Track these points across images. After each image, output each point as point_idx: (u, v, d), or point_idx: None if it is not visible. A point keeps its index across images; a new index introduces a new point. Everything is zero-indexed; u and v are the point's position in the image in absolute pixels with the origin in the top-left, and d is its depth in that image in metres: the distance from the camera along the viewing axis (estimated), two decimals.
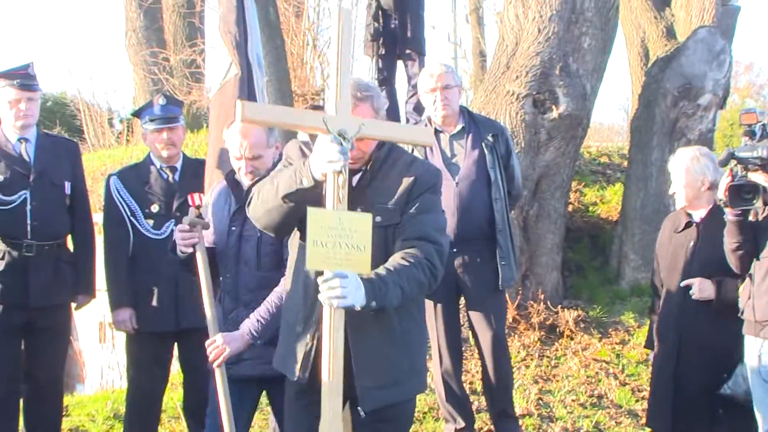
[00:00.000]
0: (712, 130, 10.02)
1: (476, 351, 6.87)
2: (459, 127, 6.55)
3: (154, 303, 5.99)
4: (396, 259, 3.84)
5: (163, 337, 6.06)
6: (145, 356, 5.94)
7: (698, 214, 5.79)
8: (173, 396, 7.28)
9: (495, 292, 6.53)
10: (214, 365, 4.68)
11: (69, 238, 6.18)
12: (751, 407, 5.48)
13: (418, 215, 3.92)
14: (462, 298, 6.66)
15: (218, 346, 4.66)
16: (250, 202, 4.00)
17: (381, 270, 3.77)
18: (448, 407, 6.93)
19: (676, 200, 5.87)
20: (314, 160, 3.71)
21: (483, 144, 6.49)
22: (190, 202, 6.08)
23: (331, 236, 3.61)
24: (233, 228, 4.77)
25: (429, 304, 6.74)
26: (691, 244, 5.77)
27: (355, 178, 4.00)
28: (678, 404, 5.78)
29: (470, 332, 6.80)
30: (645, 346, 6.23)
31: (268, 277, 4.62)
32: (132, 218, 5.99)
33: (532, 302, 9.06)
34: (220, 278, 4.87)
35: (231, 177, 4.90)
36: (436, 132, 6.50)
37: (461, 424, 6.92)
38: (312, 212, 3.62)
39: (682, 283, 5.69)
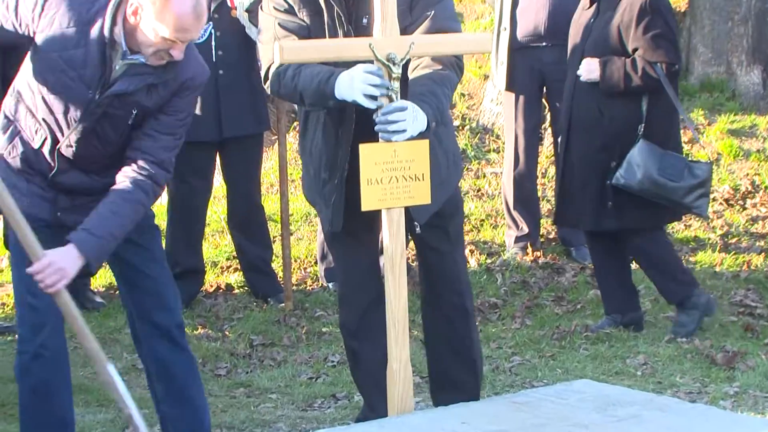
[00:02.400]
0: None
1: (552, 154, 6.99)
2: None
3: (195, 112, 6.02)
4: (430, 65, 3.90)
5: (206, 146, 6.14)
6: (187, 168, 5.98)
7: None
8: (216, 209, 7.41)
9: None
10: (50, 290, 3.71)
11: None
12: (643, 198, 5.57)
13: (425, 10, 3.94)
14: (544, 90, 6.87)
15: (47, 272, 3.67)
16: (266, 78, 3.96)
17: (425, 82, 3.83)
18: (514, 213, 7.04)
19: None
20: (349, 84, 3.65)
21: None
22: (229, 3, 6.10)
23: (386, 171, 3.59)
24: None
25: (510, 96, 6.82)
26: (591, 21, 5.76)
27: None
28: (564, 195, 5.84)
29: (551, 129, 6.91)
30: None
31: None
32: None
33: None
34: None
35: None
36: None
37: (525, 230, 7.04)
38: (364, 149, 3.58)
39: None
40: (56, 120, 3.80)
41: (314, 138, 4.11)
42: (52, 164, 3.85)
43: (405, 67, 3.75)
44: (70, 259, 3.67)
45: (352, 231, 4.17)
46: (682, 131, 6.19)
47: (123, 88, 3.72)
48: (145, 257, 4.06)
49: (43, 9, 3.69)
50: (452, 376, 4.34)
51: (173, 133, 3.86)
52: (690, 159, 6.08)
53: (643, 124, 5.64)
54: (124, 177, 3.79)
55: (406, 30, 3.83)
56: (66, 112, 3.78)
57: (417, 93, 3.78)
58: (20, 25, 3.76)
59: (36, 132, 3.84)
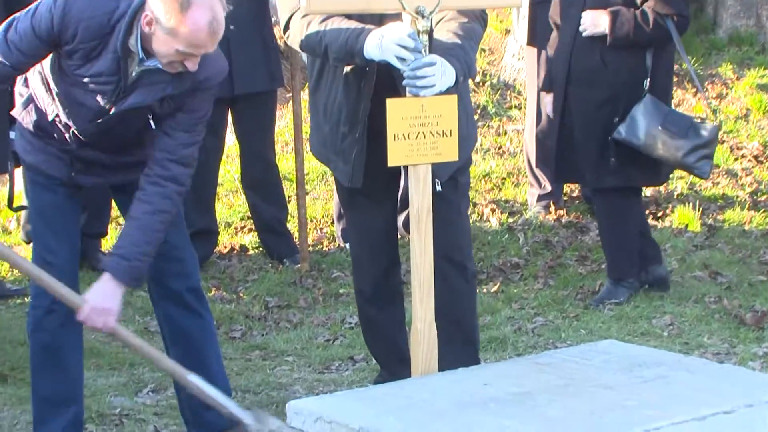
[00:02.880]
0: None
1: None
2: None
3: None
4: (455, 18, 3.87)
5: (217, 103, 5.98)
6: None
7: None
8: (230, 169, 7.39)
9: None
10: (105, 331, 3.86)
11: None
12: (646, 154, 5.51)
13: None
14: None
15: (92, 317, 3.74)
16: (287, 28, 3.92)
17: (452, 37, 3.81)
18: (537, 171, 7.00)
19: None
20: (380, 44, 3.63)
21: None
22: None
23: (413, 126, 3.57)
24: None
25: (532, 51, 6.76)
26: None
27: None
28: (563, 150, 5.73)
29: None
30: (541, 89, 6.05)
31: None
32: None
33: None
34: None
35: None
36: None
37: (547, 188, 7.00)
38: (391, 103, 3.55)
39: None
40: (69, 119, 3.82)
41: (330, 92, 4.07)
42: (67, 139, 3.87)
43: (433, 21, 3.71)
44: (109, 294, 3.75)
45: (370, 190, 4.14)
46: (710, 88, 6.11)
47: (138, 100, 3.73)
48: None
49: (62, 25, 3.63)
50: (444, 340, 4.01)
51: (191, 131, 3.86)
52: (696, 119, 6.01)
53: (648, 79, 5.57)
54: (146, 184, 3.80)
55: None
56: (78, 118, 3.80)
57: (444, 47, 3.75)
58: (44, 45, 3.69)
59: (48, 106, 3.85)
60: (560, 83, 5.72)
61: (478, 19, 3.94)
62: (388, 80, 3.79)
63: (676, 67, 9.01)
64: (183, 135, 3.83)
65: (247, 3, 6.09)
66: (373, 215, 4.29)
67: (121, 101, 3.73)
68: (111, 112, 3.74)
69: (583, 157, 5.64)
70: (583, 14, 5.57)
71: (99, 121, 3.78)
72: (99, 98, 3.73)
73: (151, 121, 3.81)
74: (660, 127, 5.49)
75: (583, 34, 5.58)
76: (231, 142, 6.81)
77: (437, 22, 3.84)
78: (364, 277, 4.41)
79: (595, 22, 5.54)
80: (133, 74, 3.69)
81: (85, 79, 3.71)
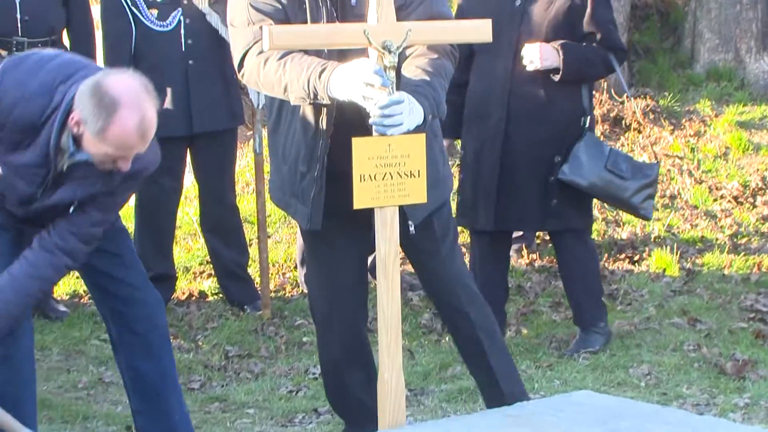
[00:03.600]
0: None
1: None
2: None
3: (163, 105, 6.01)
4: (425, 54, 3.90)
5: (175, 142, 6.11)
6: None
7: None
8: (188, 211, 7.41)
9: None
10: None
11: (64, 33, 6.18)
12: (591, 195, 5.60)
13: None
14: None
15: None
16: (241, 65, 3.92)
17: (420, 73, 3.83)
18: None
19: None
20: (346, 83, 3.63)
21: None
22: None
23: (380, 167, 3.61)
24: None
25: None
26: (519, 4, 5.58)
27: None
28: (503, 193, 5.63)
29: None
30: (446, 136, 5.28)
31: None
32: (133, 8, 5.98)
33: (593, 92, 8.98)
34: None
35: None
36: None
37: (519, 232, 7.00)
38: (357, 143, 3.59)
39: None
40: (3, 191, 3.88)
41: (289, 131, 4.06)
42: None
43: (401, 56, 3.75)
44: None
45: (333, 236, 4.14)
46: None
47: (67, 195, 3.80)
48: (117, 263, 4.11)
49: None
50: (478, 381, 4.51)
51: (106, 211, 3.93)
52: (635, 159, 6.12)
53: (588, 116, 5.62)
54: (39, 247, 3.86)
55: (396, 14, 3.81)
56: (9, 196, 3.87)
57: (413, 84, 3.78)
58: None
59: None
60: (494, 121, 5.60)
61: (448, 55, 3.97)
62: (348, 116, 3.80)
63: (653, 103, 9.18)
64: (97, 214, 3.88)
65: (206, 36, 6.12)
66: (339, 261, 4.25)
67: (49, 193, 3.78)
68: (37, 201, 3.80)
69: (525, 200, 5.62)
70: (528, 47, 5.50)
71: (27, 204, 3.83)
72: (25, 186, 3.78)
73: (73, 207, 3.85)
74: (606, 168, 5.55)
75: (528, 68, 5.51)
76: (189, 182, 6.82)
77: (405, 59, 3.88)
78: (329, 336, 4.36)
79: (544, 55, 5.50)
80: (64, 167, 3.73)
81: (14, 166, 3.75)
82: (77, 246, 3.87)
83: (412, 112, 3.66)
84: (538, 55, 5.49)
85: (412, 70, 3.86)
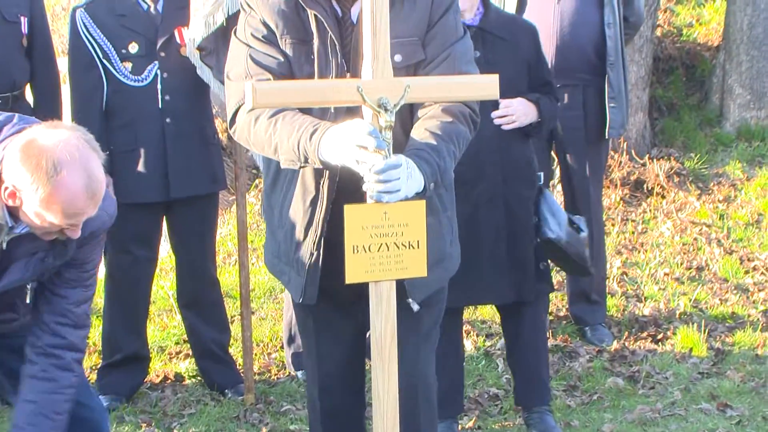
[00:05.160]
0: None
1: None
2: None
3: (137, 168, 6.07)
4: (437, 116, 3.90)
5: (150, 209, 6.16)
6: (128, 234, 5.99)
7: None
8: (164, 284, 7.41)
9: (597, 140, 6.90)
10: None
11: (28, 88, 6.23)
12: (566, 253, 5.70)
13: (443, 48, 3.96)
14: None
15: None
16: (233, 122, 3.98)
17: (427, 137, 3.83)
18: None
19: None
20: (339, 145, 3.65)
21: None
22: (178, 40, 6.14)
23: (375, 237, 3.63)
24: None
25: None
26: (478, 55, 5.52)
27: (355, 11, 3.96)
28: (513, 265, 5.67)
29: (561, 186, 7.08)
30: None
31: None
32: (105, 61, 6.03)
33: (612, 152, 9.08)
34: None
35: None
36: None
37: None
38: (350, 210, 3.61)
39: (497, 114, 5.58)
40: None
41: (288, 193, 4.07)
42: None
43: (412, 117, 3.80)
44: None
45: (327, 312, 4.16)
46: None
47: (16, 278, 3.77)
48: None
49: None
50: None
51: (83, 285, 3.92)
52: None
53: (542, 172, 5.73)
54: (37, 356, 3.88)
55: (416, 71, 3.89)
56: None
57: (415, 147, 3.79)
58: None
59: None
60: (492, 182, 5.62)
61: (465, 120, 3.94)
62: (350, 179, 3.79)
63: (678, 165, 9.21)
64: (75, 292, 3.88)
65: (186, 92, 6.13)
66: (335, 339, 4.27)
67: None
68: None
69: (518, 269, 5.66)
70: (509, 102, 5.54)
71: None
72: None
73: (28, 294, 3.85)
74: (567, 221, 5.67)
75: (509, 127, 5.57)
76: (165, 253, 6.82)
77: (417, 119, 3.90)
78: (321, 426, 4.37)
79: (525, 111, 5.59)
80: (3, 245, 3.68)
81: None
82: (74, 336, 3.88)
83: (411, 177, 3.66)
84: (522, 111, 5.59)
85: (420, 132, 3.86)
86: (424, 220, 3.71)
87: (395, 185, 3.61)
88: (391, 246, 3.66)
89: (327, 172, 3.89)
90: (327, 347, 4.28)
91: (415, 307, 3.97)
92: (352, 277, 3.63)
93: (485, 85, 3.91)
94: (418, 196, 3.72)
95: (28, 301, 3.86)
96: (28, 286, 3.83)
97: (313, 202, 3.98)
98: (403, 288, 3.88)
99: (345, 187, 3.86)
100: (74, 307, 3.88)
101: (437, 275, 3.97)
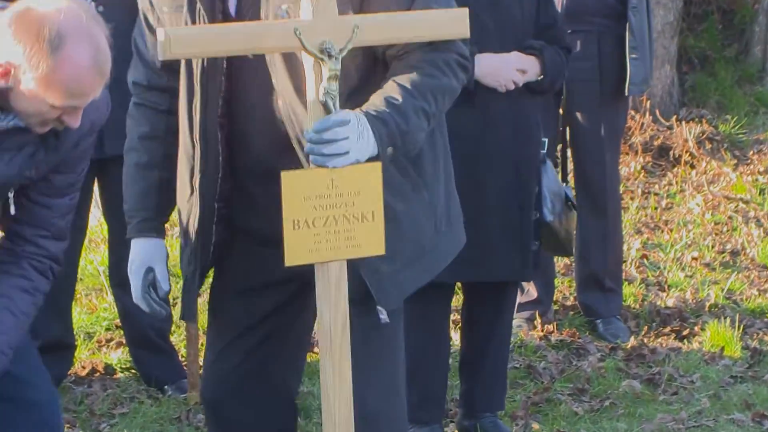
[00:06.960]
0: None
1: None
2: None
3: None
4: (410, 65, 3.75)
5: None
6: None
7: None
8: (93, 259, 7.39)
9: (614, 98, 6.92)
10: None
11: None
12: (561, 238, 5.76)
13: None
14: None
15: None
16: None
17: (391, 90, 3.70)
18: None
19: None
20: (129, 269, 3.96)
21: None
22: None
23: (320, 209, 3.58)
24: None
25: None
26: None
27: None
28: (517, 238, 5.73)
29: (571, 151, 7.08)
30: None
31: None
32: None
33: (632, 112, 9.04)
34: None
35: None
36: None
37: (532, 294, 7.18)
38: (287, 178, 3.54)
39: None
40: None
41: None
42: None
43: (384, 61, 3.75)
44: None
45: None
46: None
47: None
48: None
49: None
50: None
51: (69, 193, 4.00)
52: None
53: (546, 139, 5.74)
54: (18, 258, 3.98)
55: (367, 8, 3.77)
56: None
57: (371, 102, 3.67)
58: None
59: None
60: (502, 138, 5.61)
61: (449, 68, 3.80)
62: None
63: (710, 129, 9.23)
64: (60, 202, 3.96)
65: (122, 42, 6.07)
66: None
67: None
68: None
69: (507, 247, 5.64)
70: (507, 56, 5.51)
71: None
72: None
73: (12, 204, 3.88)
74: (564, 198, 5.76)
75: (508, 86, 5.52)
76: (96, 221, 6.76)
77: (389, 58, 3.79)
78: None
79: (524, 65, 5.50)
80: None
81: None
82: (56, 248, 4.02)
83: (363, 138, 3.58)
84: (524, 67, 5.50)
85: (385, 84, 3.74)
86: (380, 187, 3.63)
87: (342, 146, 3.53)
88: (340, 219, 3.60)
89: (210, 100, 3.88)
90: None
91: (384, 317, 3.89)
92: (292, 258, 3.56)
93: (451, 22, 3.77)
94: (372, 161, 3.63)
95: (13, 212, 3.91)
96: (10, 195, 3.87)
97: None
98: (368, 294, 3.80)
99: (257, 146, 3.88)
100: (59, 220, 3.98)
101: (415, 275, 3.91)
